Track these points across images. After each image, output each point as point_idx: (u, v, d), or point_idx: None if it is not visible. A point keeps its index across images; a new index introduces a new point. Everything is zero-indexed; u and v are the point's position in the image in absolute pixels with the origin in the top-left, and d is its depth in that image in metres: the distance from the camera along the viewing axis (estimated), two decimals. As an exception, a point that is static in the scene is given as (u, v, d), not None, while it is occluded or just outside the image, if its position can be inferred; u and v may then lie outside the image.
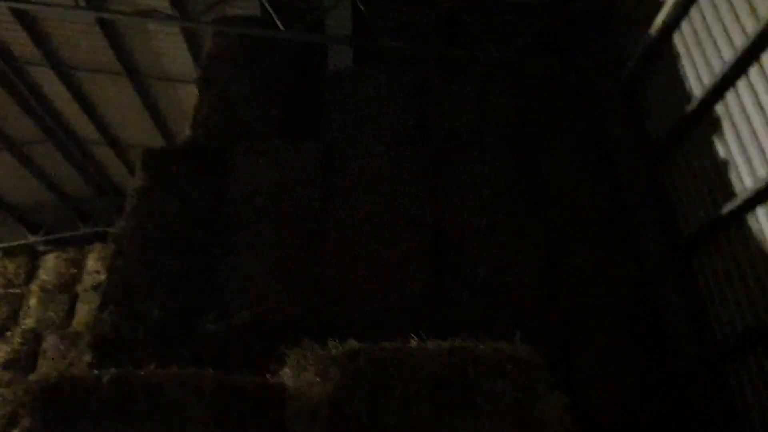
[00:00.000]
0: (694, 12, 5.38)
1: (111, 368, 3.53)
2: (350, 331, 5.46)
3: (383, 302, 5.62)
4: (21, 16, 8.46)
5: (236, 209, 6.11)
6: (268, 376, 3.03)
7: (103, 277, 12.66)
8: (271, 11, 7.11)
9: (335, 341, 2.86)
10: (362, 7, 7.16)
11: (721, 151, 5.17)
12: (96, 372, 2.61)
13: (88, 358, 5.45)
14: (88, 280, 12.52)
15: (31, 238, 13.29)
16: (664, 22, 5.62)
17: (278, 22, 7.04)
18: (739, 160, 4.94)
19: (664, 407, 4.94)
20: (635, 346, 5.37)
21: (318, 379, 2.44)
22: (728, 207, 4.97)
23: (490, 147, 6.51)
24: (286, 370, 2.80)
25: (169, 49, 8.96)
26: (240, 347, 5.31)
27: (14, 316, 12.29)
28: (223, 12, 7.67)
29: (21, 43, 9.01)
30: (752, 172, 4.76)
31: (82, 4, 7.58)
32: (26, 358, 11.61)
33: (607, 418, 4.99)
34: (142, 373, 2.64)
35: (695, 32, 5.38)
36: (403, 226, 5.96)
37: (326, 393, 2.37)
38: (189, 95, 9.85)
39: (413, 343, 2.85)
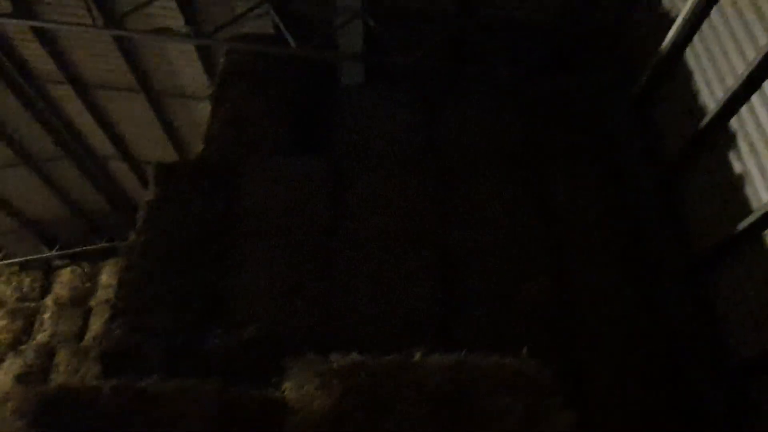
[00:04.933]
0: (705, 27, 5.35)
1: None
2: (357, 347, 5.54)
3: (391, 319, 5.57)
4: (41, 35, 8.67)
5: (245, 224, 6.13)
6: (269, 389, 3.00)
7: (116, 291, 12.83)
8: (283, 29, 7.20)
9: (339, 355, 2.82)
10: (372, 23, 7.22)
11: (736, 167, 5.09)
12: (95, 382, 2.60)
13: (97, 370, 5.47)
14: (102, 294, 12.63)
15: (47, 253, 13.43)
16: (675, 38, 5.58)
17: (290, 40, 7.12)
18: (754, 174, 4.85)
19: (677, 427, 4.80)
20: (648, 365, 5.25)
21: (319, 393, 2.41)
22: (744, 223, 4.88)
23: (499, 165, 6.48)
24: (288, 383, 2.76)
25: (184, 67, 9.11)
26: (246, 361, 5.28)
27: (28, 330, 12.41)
28: (236, 30, 7.79)
29: (41, 61, 9.21)
30: (768, 186, 4.67)
31: (100, 23, 7.76)
32: (39, 372, 11.69)
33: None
34: (142, 384, 2.62)
35: (707, 48, 5.34)
36: (412, 243, 5.94)
37: (327, 407, 2.33)
38: (202, 111, 10.00)
39: (417, 356, 2.80)
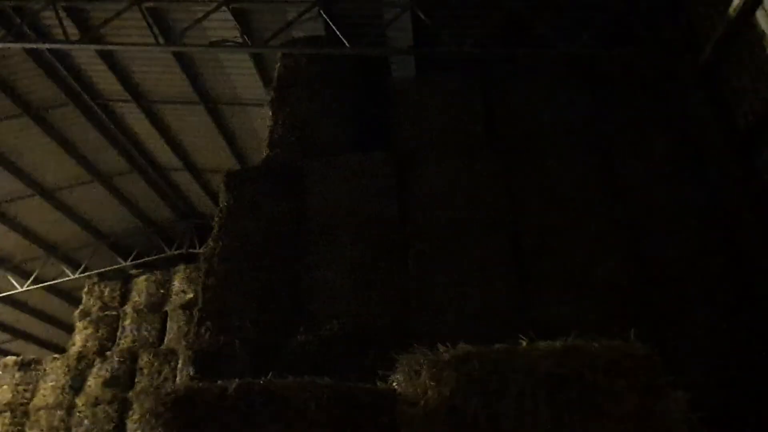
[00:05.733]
0: (777, -15, 5.11)
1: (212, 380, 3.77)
2: (437, 338, 5.62)
3: (468, 308, 5.62)
4: (105, 56, 9.12)
5: (316, 223, 6.31)
6: (378, 382, 3.11)
7: (189, 296, 13.37)
8: (335, 30, 7.32)
9: (447, 346, 2.90)
10: (423, 16, 7.23)
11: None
12: (220, 382, 2.79)
13: (190, 371, 5.77)
14: (175, 299, 13.19)
15: (123, 263, 14.14)
16: (743, 1, 5.36)
17: (343, 40, 7.23)
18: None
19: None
20: (737, 344, 5.09)
21: (432, 384, 2.49)
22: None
23: (564, 144, 6.40)
24: (398, 376, 2.86)
25: (240, 75, 9.38)
26: (330, 357, 5.46)
27: (112, 337, 13.12)
28: (289, 35, 7.97)
29: (107, 81, 9.70)
30: None
31: (161, 40, 8.10)
32: (124, 376, 12.36)
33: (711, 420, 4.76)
34: (262, 382, 2.78)
35: (780, 6, 5.11)
36: (483, 230, 5.96)
37: (442, 397, 2.41)
38: (259, 117, 10.30)
39: (522, 343, 2.85)
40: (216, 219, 6.69)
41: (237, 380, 2.69)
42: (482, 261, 5.71)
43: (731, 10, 5.51)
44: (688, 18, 6.30)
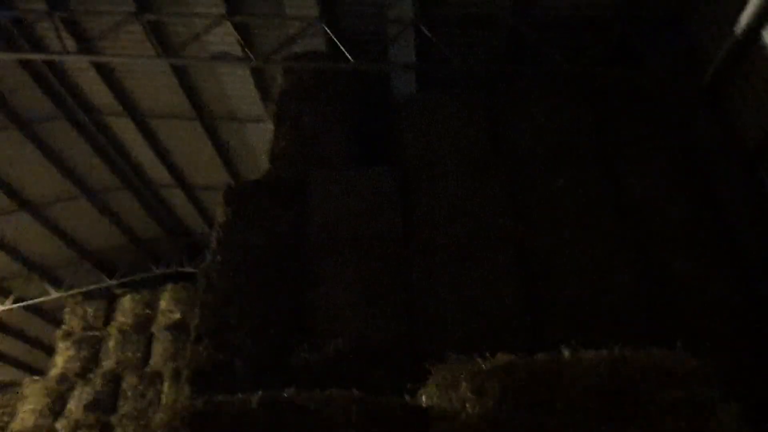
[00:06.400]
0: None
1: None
2: (444, 354, 5.47)
3: (476, 323, 5.49)
4: (100, 68, 8.96)
5: (319, 238, 6.16)
6: (405, 396, 2.95)
7: (176, 316, 13.02)
8: (339, 44, 7.29)
9: (487, 356, 2.76)
10: (427, 33, 7.25)
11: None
12: (241, 396, 2.60)
13: (187, 391, 5.52)
14: (162, 320, 12.82)
15: (108, 282, 13.76)
16: (750, 20, 5.43)
17: (347, 54, 7.20)
18: None
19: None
20: (746, 359, 5.04)
21: (472, 396, 2.34)
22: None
23: (568, 161, 6.38)
24: (429, 388, 2.71)
25: (237, 90, 9.28)
26: (334, 375, 5.27)
27: (95, 358, 12.67)
28: (290, 50, 7.92)
29: (101, 95, 9.52)
30: None
31: (159, 52, 8.00)
32: (107, 399, 11.90)
33: None
34: (286, 395, 2.61)
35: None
36: (488, 245, 5.86)
37: (484, 410, 2.27)
38: (255, 134, 10.19)
39: (565, 353, 2.73)
40: (214, 233, 6.50)
41: (259, 393, 2.51)
42: (488, 278, 5.60)
43: (737, 29, 5.58)
44: (692, 36, 6.38)
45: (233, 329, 5.81)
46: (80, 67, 8.97)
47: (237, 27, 7.79)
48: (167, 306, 12.89)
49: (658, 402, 2.20)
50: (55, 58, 8.11)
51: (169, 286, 13.03)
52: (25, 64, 8.65)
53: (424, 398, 2.73)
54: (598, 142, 6.47)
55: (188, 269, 13.54)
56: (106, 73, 9.05)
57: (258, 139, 10.16)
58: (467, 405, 2.34)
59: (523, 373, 2.38)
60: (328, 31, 7.47)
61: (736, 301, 5.13)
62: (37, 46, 8.27)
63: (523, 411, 2.24)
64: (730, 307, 5.23)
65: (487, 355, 2.81)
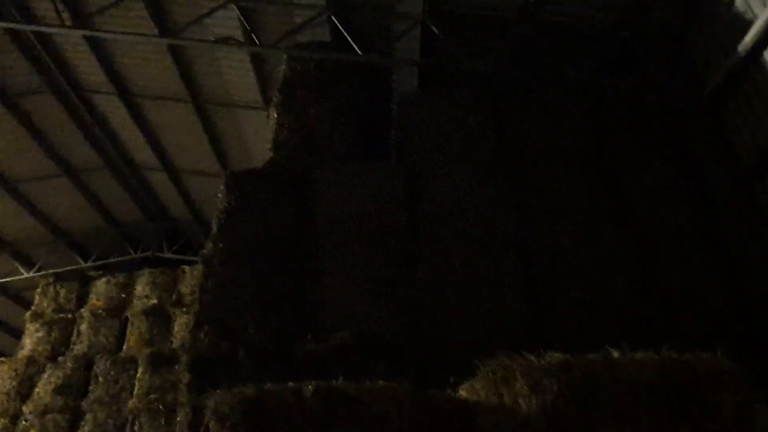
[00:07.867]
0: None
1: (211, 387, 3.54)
2: (447, 350, 5.54)
3: (477, 321, 5.58)
4: (94, 45, 8.71)
5: (324, 230, 6.14)
6: (451, 389, 2.98)
7: (152, 301, 12.77)
8: (347, 36, 7.26)
9: (542, 352, 2.82)
10: (435, 30, 7.28)
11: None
12: (292, 384, 2.59)
13: (186, 378, 5.44)
14: (137, 304, 12.54)
15: (82, 264, 13.39)
16: (753, 41, 5.64)
17: (355, 47, 7.18)
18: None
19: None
20: (742, 361, 5.26)
21: (528, 392, 2.40)
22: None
23: (570, 167, 6.51)
24: (476, 384, 2.74)
25: (235, 76, 9.14)
26: (339, 366, 5.27)
27: (66, 342, 12.32)
28: (294, 39, 7.84)
29: (90, 71, 9.26)
30: None
31: (156, 32, 7.82)
32: (78, 384, 11.58)
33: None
34: (339, 386, 2.61)
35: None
36: (493, 245, 5.95)
37: (541, 406, 2.33)
38: (248, 121, 10.06)
39: (615, 353, 2.80)
40: (215, 220, 6.42)
41: (313, 383, 2.51)
42: (491, 275, 5.69)
43: (740, 48, 5.79)
44: (695, 50, 6.59)
45: (234, 317, 5.75)
46: (72, 42, 8.70)
47: (242, 12, 7.67)
48: (143, 291, 12.60)
49: (704, 404, 2.30)
50: (49, 30, 7.82)
51: (146, 271, 12.74)
52: (14, 35, 8.33)
53: (464, 393, 2.77)
54: (599, 148, 6.62)
55: (167, 255, 13.28)
56: (98, 49, 8.80)
57: (250, 127, 10.05)
58: (521, 401, 2.39)
59: (578, 371, 2.44)
60: (336, 21, 7.43)
61: (730, 307, 5.34)
62: (30, 16, 7.97)
63: (577, 409, 2.31)
64: (725, 312, 5.43)
65: (542, 351, 2.86)
